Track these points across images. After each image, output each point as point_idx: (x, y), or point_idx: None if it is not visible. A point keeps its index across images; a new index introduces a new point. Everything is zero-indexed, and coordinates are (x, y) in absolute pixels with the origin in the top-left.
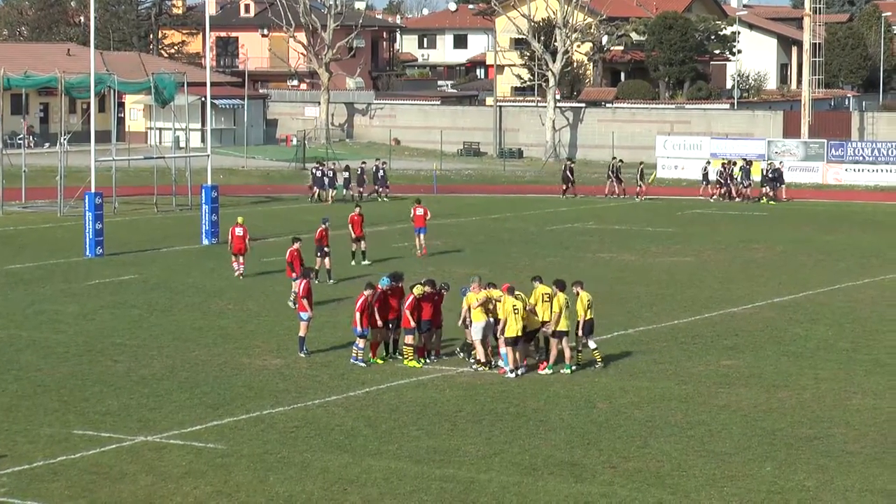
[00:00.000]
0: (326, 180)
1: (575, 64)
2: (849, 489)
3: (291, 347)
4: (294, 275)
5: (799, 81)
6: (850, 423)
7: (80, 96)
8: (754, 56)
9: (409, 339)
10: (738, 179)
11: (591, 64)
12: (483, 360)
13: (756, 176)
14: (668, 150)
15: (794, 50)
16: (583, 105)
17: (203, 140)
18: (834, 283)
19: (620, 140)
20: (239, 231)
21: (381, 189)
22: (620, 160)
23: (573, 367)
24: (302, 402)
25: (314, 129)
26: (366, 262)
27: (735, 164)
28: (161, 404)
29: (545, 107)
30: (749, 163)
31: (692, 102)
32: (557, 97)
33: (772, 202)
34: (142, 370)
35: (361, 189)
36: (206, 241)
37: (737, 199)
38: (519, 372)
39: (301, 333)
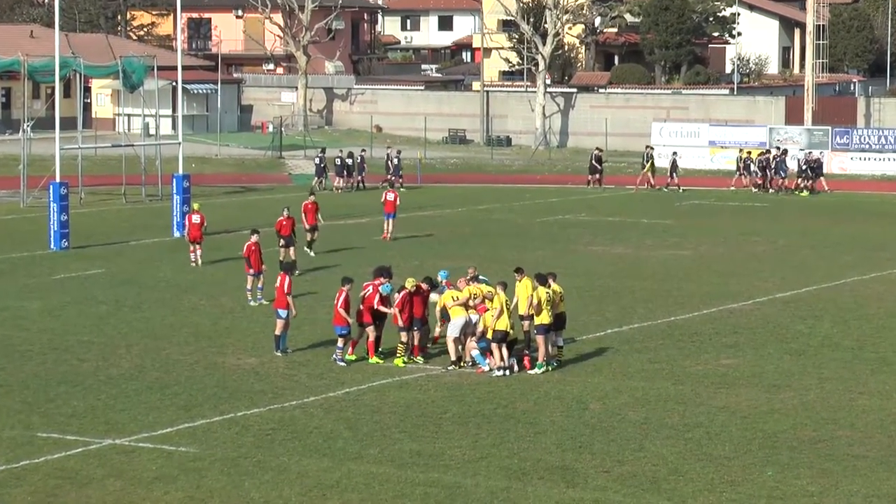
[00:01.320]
0: (336, 168)
1: (566, 47)
2: (854, 494)
3: (267, 346)
4: (251, 270)
5: (802, 65)
6: (856, 425)
7: (45, 80)
8: (755, 39)
9: (402, 336)
10: (776, 169)
11: (584, 47)
12: (454, 358)
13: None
14: (664, 138)
15: (797, 32)
16: (574, 90)
17: (174, 127)
18: (839, 277)
19: (614, 127)
20: (196, 218)
21: (395, 178)
22: (653, 148)
23: (553, 365)
24: (278, 403)
25: (291, 115)
26: (311, 254)
27: (769, 152)
28: (130, 405)
29: (535, 92)
30: (784, 152)
31: (689, 87)
32: (548, 82)
33: (808, 193)
34: (109, 369)
35: (360, 177)
36: (177, 234)
37: (770, 191)
38: (507, 371)
39: (276, 332)
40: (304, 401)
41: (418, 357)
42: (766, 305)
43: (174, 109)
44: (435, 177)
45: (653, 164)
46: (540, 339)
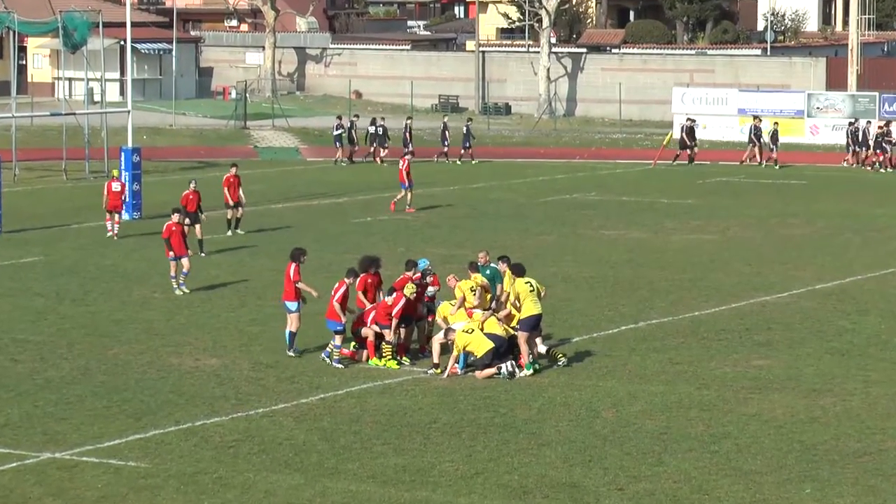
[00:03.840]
0: (378, 138)
1: (574, 0)
2: None
3: (230, 345)
4: (171, 254)
5: (845, 22)
6: None
7: None
8: None
9: (387, 334)
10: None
11: (594, 0)
12: (437, 361)
13: None
14: (686, 105)
15: None
16: (584, 51)
17: (122, 93)
18: (886, 265)
19: (629, 93)
20: (116, 186)
21: (465, 150)
22: (759, 119)
23: (536, 366)
24: (243, 411)
25: (257, 79)
26: (240, 232)
27: (889, 125)
28: (72, 413)
29: (538, 53)
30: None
31: (716, 47)
32: (553, 41)
33: None
34: (48, 372)
35: (385, 148)
36: (126, 216)
37: (884, 170)
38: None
39: (291, 328)
40: (273, 408)
41: (404, 357)
42: (803, 298)
43: (122, 72)
44: (423, 150)
45: (671, 136)
46: (521, 336)
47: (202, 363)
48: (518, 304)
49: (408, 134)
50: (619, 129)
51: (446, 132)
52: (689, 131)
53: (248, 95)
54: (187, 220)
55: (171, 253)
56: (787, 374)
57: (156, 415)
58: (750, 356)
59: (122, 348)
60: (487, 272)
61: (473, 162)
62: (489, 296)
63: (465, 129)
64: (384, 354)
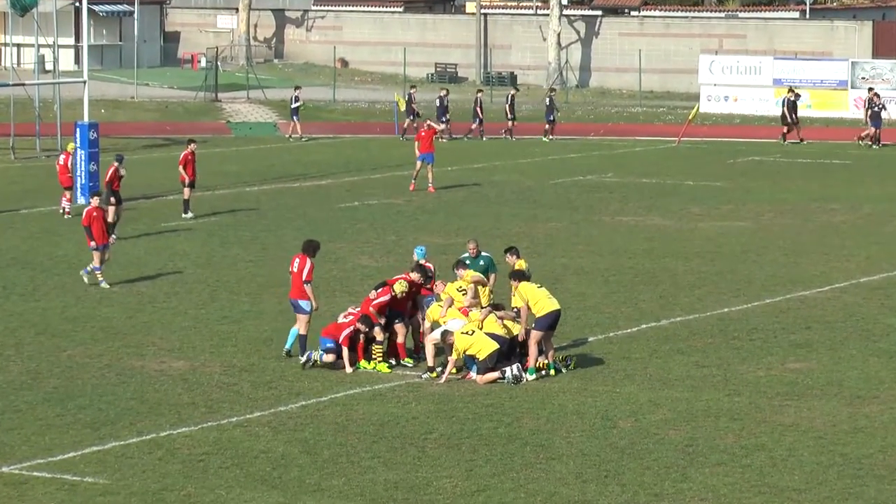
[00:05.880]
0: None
1: None
2: None
3: (199, 345)
4: (93, 243)
5: None
6: None
7: None
8: None
9: (377, 334)
10: None
11: None
12: (432, 363)
13: None
14: (715, 75)
15: None
16: (599, 13)
17: (77, 61)
18: None
19: (650, 61)
20: (62, 160)
21: (549, 125)
22: (872, 90)
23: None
24: (214, 419)
25: (230, 46)
26: (187, 216)
27: None
28: (21, 423)
29: (547, 16)
30: None
31: (748, 10)
32: (564, 2)
33: None
34: None
35: (445, 121)
36: (82, 199)
37: None
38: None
39: (301, 330)
40: (248, 417)
41: (406, 359)
42: (847, 292)
43: (77, 38)
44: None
45: (697, 110)
46: (534, 336)
47: (168, 366)
48: (529, 310)
49: (478, 108)
50: (638, 102)
51: (508, 106)
52: (792, 105)
53: (219, 64)
54: (112, 200)
55: (93, 242)
56: (827, 378)
57: (115, 424)
58: (786, 358)
59: (78, 349)
60: (480, 262)
61: (545, 139)
62: (487, 290)
63: (547, 100)
64: (374, 356)
